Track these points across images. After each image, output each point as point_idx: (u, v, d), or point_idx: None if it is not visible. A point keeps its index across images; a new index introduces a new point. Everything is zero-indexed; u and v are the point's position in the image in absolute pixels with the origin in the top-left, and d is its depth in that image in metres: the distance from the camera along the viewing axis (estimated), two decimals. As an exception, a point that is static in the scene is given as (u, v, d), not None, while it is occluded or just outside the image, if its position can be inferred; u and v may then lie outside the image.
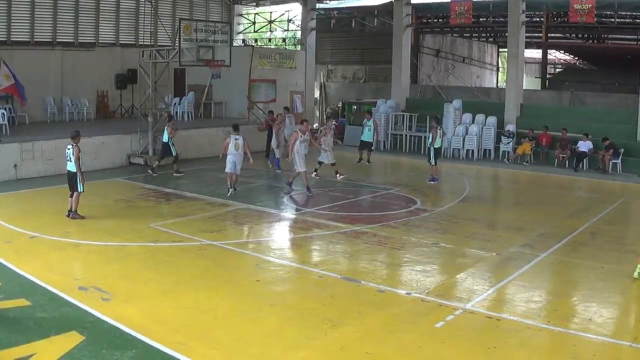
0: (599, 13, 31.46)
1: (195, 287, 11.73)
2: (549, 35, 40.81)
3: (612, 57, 42.40)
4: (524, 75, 36.47)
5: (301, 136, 20.89)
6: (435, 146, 23.21)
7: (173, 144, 24.05)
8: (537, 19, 36.85)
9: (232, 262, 13.76)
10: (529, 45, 38.56)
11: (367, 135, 26.09)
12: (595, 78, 42.51)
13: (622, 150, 26.71)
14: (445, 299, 11.15)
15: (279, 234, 16.67)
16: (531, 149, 28.67)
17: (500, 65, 53.28)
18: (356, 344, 9.31)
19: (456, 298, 11.35)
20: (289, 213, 18.56)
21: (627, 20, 35.44)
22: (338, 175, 23.25)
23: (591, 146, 27.30)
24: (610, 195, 22.66)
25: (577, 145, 27.69)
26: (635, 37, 40.99)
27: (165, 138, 24.10)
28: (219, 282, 12.09)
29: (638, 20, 31.80)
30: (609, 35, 42.67)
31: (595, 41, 44.02)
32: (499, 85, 49.68)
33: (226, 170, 20.54)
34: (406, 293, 11.50)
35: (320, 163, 23.53)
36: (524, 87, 34.45)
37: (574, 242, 15.56)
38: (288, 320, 10.26)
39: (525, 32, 32.82)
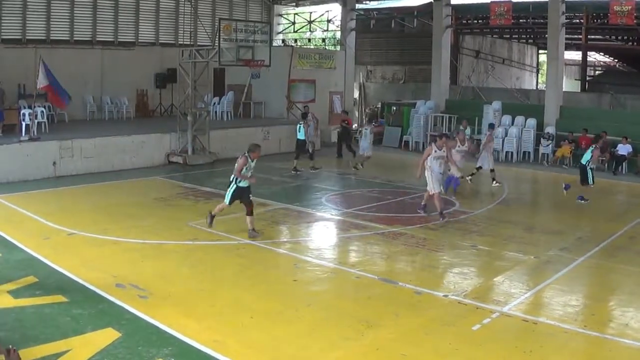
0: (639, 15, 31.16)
1: (232, 285, 11.80)
2: (588, 37, 40.44)
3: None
4: (564, 77, 36.21)
5: (436, 151, 17.80)
6: (590, 166, 20.86)
7: (309, 141, 25.18)
8: (577, 21, 36.50)
9: (269, 261, 13.81)
10: (568, 47, 38.31)
11: None
12: (635, 80, 42.05)
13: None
14: (483, 302, 11.10)
15: (317, 234, 16.64)
16: (571, 151, 28.42)
17: (539, 66, 52.90)
18: (392, 345, 9.29)
19: (493, 301, 11.28)
20: (327, 213, 18.52)
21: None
22: (494, 183, 22.90)
23: (630, 149, 27.03)
24: (650, 199, 22.44)
25: (617, 149, 27.42)
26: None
27: (301, 135, 24.93)
28: (256, 281, 12.13)
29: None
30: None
31: (636, 43, 43.56)
32: (538, 87, 49.32)
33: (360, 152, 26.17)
34: (443, 295, 11.46)
35: (478, 169, 23.00)
36: (563, 89, 34.16)
37: (612, 246, 15.40)
38: (324, 320, 10.26)
39: (565, 34, 32.58)
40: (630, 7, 29.05)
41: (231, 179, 15.18)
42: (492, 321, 10.29)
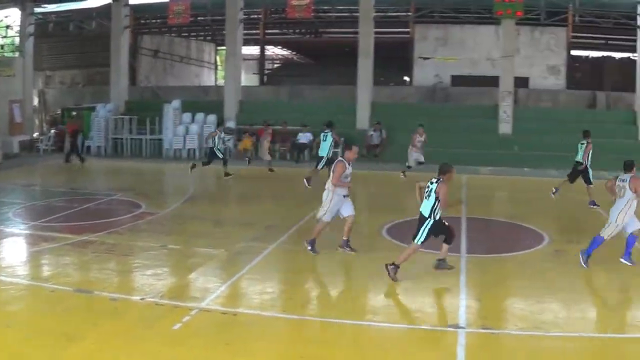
0: (318, 8, 32.99)
1: None
2: (267, 31, 42.13)
3: (330, 51, 44.49)
4: (243, 72, 37.47)
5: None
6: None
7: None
8: (255, 16, 37.93)
9: (-45, 285, 13.10)
10: (247, 42, 39.65)
11: None
12: (313, 72, 44.55)
13: (343, 139, 28.12)
14: (180, 300, 11.35)
15: (6, 251, 15.86)
16: (252, 144, 29.57)
17: (218, 63, 54.08)
18: (96, 355, 9.26)
19: (190, 298, 11.65)
20: (13, 228, 17.61)
21: (344, 14, 37.38)
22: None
23: (311, 137, 28.62)
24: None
25: (297, 138, 28.93)
26: (353, 30, 43.32)
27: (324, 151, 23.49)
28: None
29: (355, 14, 33.77)
30: (328, 30, 44.62)
31: (312, 35, 45.90)
32: (217, 83, 50.44)
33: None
34: (140, 298, 11.56)
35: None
36: (242, 84, 35.41)
37: (301, 231, 16.33)
38: (26, 340, 9.86)
39: (244, 29, 33.74)
40: (307, 1, 30.66)
41: (426, 215, 12.02)
42: (192, 318, 10.54)
